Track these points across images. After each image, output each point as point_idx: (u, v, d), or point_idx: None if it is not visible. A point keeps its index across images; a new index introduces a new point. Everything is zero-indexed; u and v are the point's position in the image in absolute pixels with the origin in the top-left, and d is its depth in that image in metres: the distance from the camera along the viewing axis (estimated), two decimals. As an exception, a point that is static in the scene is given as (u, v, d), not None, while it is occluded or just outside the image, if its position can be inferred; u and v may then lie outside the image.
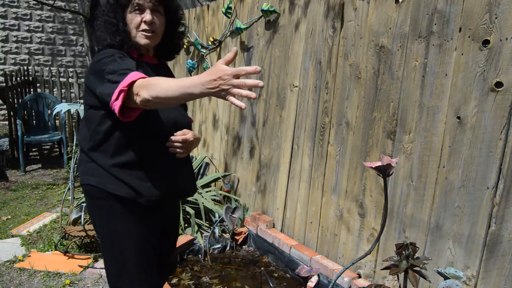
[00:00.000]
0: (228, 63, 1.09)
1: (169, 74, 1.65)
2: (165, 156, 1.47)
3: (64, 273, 2.56)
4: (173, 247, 1.77)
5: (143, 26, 1.43)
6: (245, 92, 1.05)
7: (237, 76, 1.05)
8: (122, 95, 1.21)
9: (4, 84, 4.89)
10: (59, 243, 2.87)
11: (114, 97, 1.22)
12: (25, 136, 4.75)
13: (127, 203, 1.41)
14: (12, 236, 3.09)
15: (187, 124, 1.58)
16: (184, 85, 1.11)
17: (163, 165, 1.46)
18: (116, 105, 1.22)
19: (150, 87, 1.17)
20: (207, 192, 3.39)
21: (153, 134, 1.43)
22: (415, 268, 1.52)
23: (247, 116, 3.25)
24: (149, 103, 1.20)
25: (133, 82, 1.21)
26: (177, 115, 1.53)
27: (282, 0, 2.82)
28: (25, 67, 5.59)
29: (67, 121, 5.12)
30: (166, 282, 2.28)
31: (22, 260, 2.69)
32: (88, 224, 2.91)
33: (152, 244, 1.50)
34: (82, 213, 2.77)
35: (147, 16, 1.42)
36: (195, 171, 3.67)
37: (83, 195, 3.43)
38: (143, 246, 1.46)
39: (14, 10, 6.39)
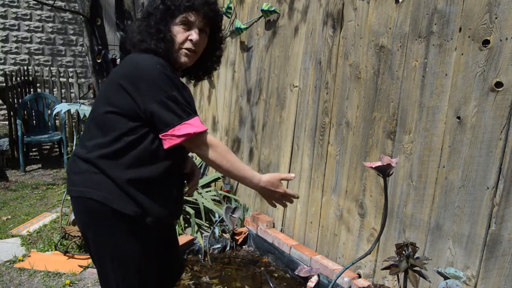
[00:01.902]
0: (284, 179, 1.43)
1: None
2: (177, 176, 1.46)
3: (64, 273, 2.56)
4: (179, 253, 1.74)
5: (188, 45, 1.37)
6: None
7: (284, 194, 1.42)
8: (184, 139, 1.28)
9: (4, 84, 4.89)
10: (59, 243, 2.87)
11: (174, 132, 1.27)
12: (25, 136, 4.75)
13: (131, 221, 1.34)
14: (12, 236, 3.09)
15: None
16: (247, 178, 1.38)
17: (175, 185, 1.44)
18: (172, 142, 1.29)
19: (220, 154, 1.34)
20: (207, 192, 3.38)
21: (179, 152, 1.39)
22: (415, 268, 1.52)
23: (247, 117, 3.25)
24: (209, 162, 1.35)
25: (201, 132, 1.30)
26: None
27: (282, 0, 2.82)
28: (25, 67, 5.58)
29: (67, 121, 5.11)
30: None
31: (22, 260, 2.69)
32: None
33: (155, 260, 1.47)
34: (82, 213, 2.76)
35: (194, 35, 1.36)
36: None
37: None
38: (147, 263, 1.42)
39: (14, 10, 6.39)
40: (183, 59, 1.39)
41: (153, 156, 1.33)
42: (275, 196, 1.43)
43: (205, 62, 1.51)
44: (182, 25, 1.36)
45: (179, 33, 1.36)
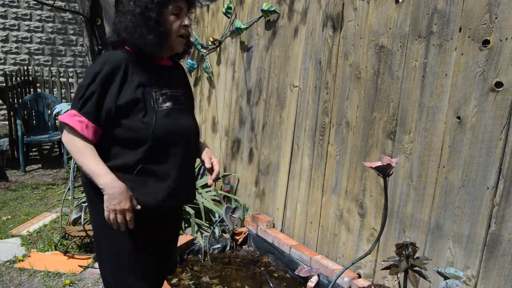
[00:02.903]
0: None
1: (183, 76, 1.66)
2: (163, 164, 1.45)
3: (64, 273, 2.56)
4: (173, 248, 1.76)
5: (182, 31, 1.44)
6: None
7: (124, 212, 1.37)
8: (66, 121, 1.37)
9: (4, 84, 4.89)
10: (59, 243, 2.87)
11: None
12: (25, 136, 4.75)
13: None
14: (12, 236, 3.09)
15: (194, 132, 1.58)
16: (92, 175, 1.35)
17: (160, 173, 1.44)
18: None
19: (71, 151, 1.38)
20: (207, 192, 3.39)
21: (140, 142, 1.41)
22: (415, 268, 1.52)
23: (247, 117, 3.25)
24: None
25: (64, 123, 1.37)
26: (184, 124, 1.51)
27: (282, 1, 2.82)
28: (25, 67, 5.59)
29: (67, 121, 5.11)
30: (166, 282, 2.28)
31: (22, 260, 2.69)
32: (88, 224, 2.91)
33: (147, 246, 1.50)
34: (82, 213, 2.77)
35: (188, 21, 1.44)
36: (195, 171, 3.67)
37: (83, 195, 3.43)
38: (137, 249, 1.47)
39: (14, 10, 6.39)
40: (181, 46, 1.48)
41: (121, 145, 1.42)
42: (112, 207, 1.36)
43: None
44: (173, 14, 1.42)
45: (173, 21, 1.43)
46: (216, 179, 1.59)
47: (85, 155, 1.36)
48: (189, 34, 1.48)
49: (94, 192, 1.43)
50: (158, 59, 1.50)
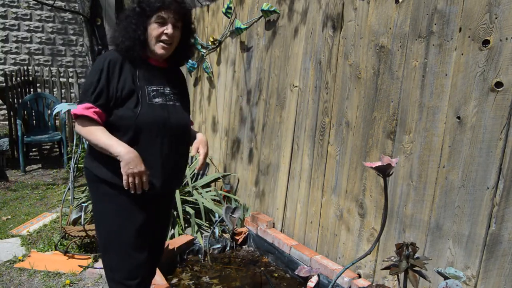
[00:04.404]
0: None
1: (179, 78, 1.81)
2: (148, 152, 1.57)
3: (64, 273, 2.56)
4: (163, 235, 1.88)
5: (164, 38, 1.60)
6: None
7: (140, 174, 1.51)
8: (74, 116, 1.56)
9: (4, 84, 4.89)
10: (59, 243, 2.87)
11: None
12: (25, 136, 4.75)
13: (110, 185, 1.58)
14: (12, 236, 3.09)
15: (184, 126, 1.70)
16: (107, 148, 1.50)
17: (146, 159, 1.55)
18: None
19: (84, 134, 1.54)
20: (207, 192, 3.39)
21: (128, 129, 1.55)
22: (415, 268, 1.52)
23: (247, 117, 3.25)
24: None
25: (81, 115, 1.52)
26: (172, 118, 1.64)
27: (282, 1, 2.82)
28: (25, 67, 5.59)
29: (67, 121, 5.11)
30: (166, 282, 2.28)
31: (22, 260, 2.69)
32: (88, 224, 2.91)
33: (135, 225, 1.62)
34: (82, 213, 2.77)
35: (169, 29, 1.59)
36: (195, 171, 3.67)
37: (83, 195, 3.43)
38: (124, 226, 1.61)
39: (14, 10, 6.39)
40: (161, 51, 1.61)
41: (112, 134, 1.56)
42: (131, 171, 1.50)
43: (183, 51, 1.73)
44: (157, 23, 1.58)
45: (154, 29, 1.58)
46: (200, 170, 1.77)
47: (98, 134, 1.52)
48: (170, 41, 1.61)
49: (91, 174, 1.63)
50: (151, 60, 1.67)
